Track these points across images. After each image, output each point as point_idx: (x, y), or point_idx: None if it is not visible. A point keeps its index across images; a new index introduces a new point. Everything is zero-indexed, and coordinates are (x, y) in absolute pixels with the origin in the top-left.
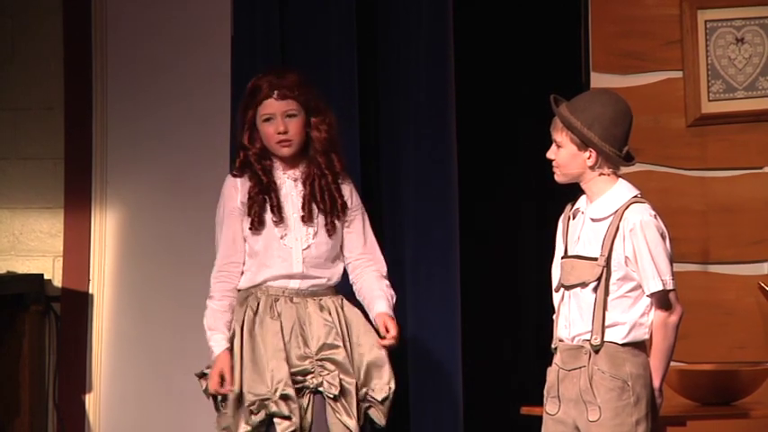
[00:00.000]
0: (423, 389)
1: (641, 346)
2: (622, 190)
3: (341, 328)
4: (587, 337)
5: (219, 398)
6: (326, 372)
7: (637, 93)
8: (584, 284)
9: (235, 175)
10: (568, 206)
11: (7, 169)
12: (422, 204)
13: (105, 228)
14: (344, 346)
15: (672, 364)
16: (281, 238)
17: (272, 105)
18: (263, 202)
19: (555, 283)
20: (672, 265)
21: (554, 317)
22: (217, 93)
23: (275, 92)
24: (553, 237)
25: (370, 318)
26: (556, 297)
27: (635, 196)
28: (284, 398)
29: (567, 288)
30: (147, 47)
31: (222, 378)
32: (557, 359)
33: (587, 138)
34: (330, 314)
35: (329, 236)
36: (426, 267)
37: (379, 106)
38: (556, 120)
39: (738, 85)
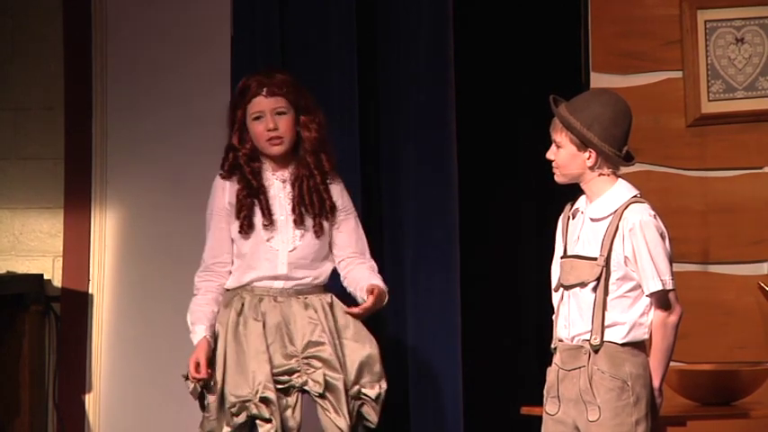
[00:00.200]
0: (423, 389)
1: (641, 346)
2: (622, 190)
3: (328, 326)
4: (587, 336)
5: (206, 402)
6: (312, 369)
7: (637, 93)
8: (583, 284)
9: (223, 177)
10: (568, 206)
11: (7, 169)
12: (422, 204)
13: (105, 228)
14: (332, 342)
15: (672, 364)
16: (268, 240)
17: (262, 103)
18: (252, 205)
19: (554, 283)
20: (671, 265)
21: (553, 317)
22: (217, 93)
23: (264, 89)
24: (553, 237)
25: (359, 295)
26: (555, 297)
27: (634, 196)
28: (264, 401)
29: (567, 288)
30: (147, 47)
31: (199, 366)
32: (556, 359)
33: (587, 138)
34: (316, 312)
35: (317, 237)
36: (426, 267)
37: (379, 106)
38: (555, 120)
39: (738, 85)
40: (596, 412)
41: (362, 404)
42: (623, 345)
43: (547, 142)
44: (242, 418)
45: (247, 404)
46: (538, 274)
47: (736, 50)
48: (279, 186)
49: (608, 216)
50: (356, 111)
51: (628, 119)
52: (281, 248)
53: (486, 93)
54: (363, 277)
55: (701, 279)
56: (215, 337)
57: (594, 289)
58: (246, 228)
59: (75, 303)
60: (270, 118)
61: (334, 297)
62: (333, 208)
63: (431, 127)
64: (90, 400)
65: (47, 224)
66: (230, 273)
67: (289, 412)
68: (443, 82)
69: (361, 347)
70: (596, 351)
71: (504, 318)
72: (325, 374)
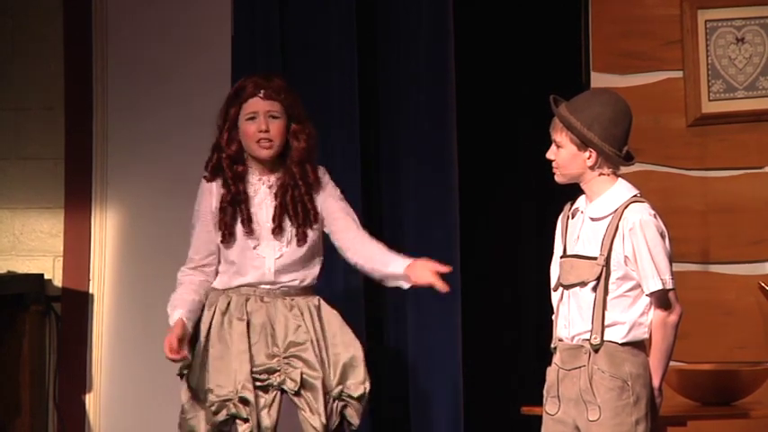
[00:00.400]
0: (423, 389)
1: (641, 346)
2: (622, 189)
3: (313, 327)
4: (587, 336)
5: (181, 402)
6: (291, 369)
7: (637, 93)
8: (583, 284)
9: (207, 180)
10: (567, 205)
11: (7, 169)
12: (422, 204)
13: (105, 228)
14: (315, 344)
15: (672, 363)
16: (255, 248)
17: (257, 104)
18: (233, 213)
19: (553, 283)
20: (671, 265)
21: (553, 317)
22: (217, 93)
23: (261, 91)
24: (552, 236)
25: (400, 271)
26: (554, 296)
27: (634, 196)
28: (242, 401)
29: (567, 287)
30: (147, 47)
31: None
32: (556, 359)
33: (587, 138)
34: (302, 313)
35: (301, 245)
36: None
37: (378, 106)
38: (555, 120)
39: (739, 85)
40: (596, 412)
41: (345, 405)
42: (623, 344)
43: (547, 142)
44: (222, 416)
45: (227, 403)
46: (538, 274)
47: (736, 50)
48: (265, 192)
49: (608, 215)
50: (356, 111)
51: (628, 118)
52: (267, 255)
53: (486, 93)
54: (385, 260)
55: (701, 279)
56: (196, 322)
57: (594, 288)
58: (228, 237)
59: (76, 303)
60: (263, 120)
61: (321, 300)
62: (316, 216)
63: (431, 127)
64: (90, 400)
65: (47, 224)
66: (216, 272)
67: (264, 411)
68: (443, 82)
69: (344, 350)
70: (596, 351)
71: (504, 318)
72: (303, 373)
